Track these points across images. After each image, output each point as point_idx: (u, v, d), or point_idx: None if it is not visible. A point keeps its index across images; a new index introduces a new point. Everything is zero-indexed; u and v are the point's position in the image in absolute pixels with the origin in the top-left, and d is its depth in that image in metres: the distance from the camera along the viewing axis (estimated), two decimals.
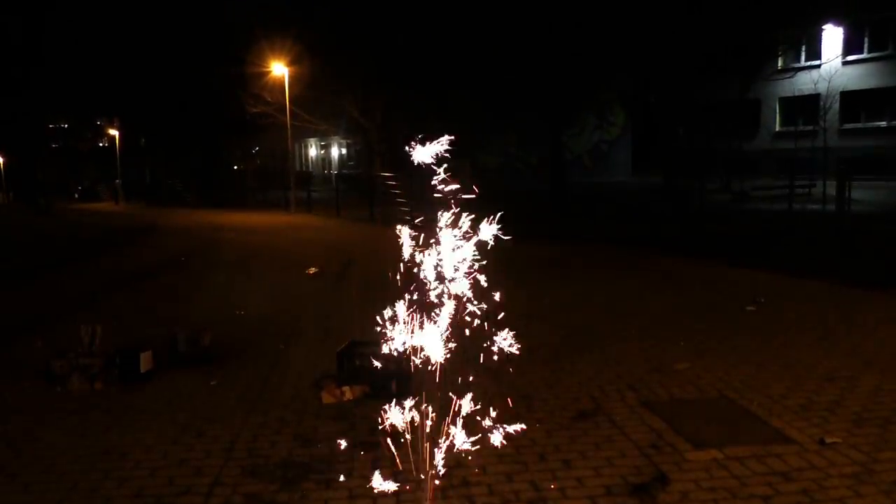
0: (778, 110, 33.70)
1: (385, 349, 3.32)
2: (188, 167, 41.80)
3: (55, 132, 58.90)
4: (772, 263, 10.78)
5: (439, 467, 3.41)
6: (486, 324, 3.25)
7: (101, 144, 59.40)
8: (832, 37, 30.51)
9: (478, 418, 3.42)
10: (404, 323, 3.25)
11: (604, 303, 8.84)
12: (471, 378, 3.39)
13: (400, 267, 3.25)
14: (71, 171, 56.84)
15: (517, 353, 3.28)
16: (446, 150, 3.10)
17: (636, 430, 4.66)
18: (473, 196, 3.21)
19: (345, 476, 4.06)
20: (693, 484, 3.91)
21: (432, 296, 3.22)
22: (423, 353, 3.26)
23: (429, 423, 3.38)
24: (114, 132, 49.06)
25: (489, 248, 3.23)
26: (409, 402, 3.39)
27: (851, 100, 29.96)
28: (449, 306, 3.21)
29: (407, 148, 3.11)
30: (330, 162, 55.78)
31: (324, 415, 5.09)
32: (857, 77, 30.09)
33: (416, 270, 3.21)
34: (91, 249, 17.07)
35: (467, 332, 3.26)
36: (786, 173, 21.18)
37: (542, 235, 14.57)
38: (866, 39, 30.11)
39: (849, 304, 8.14)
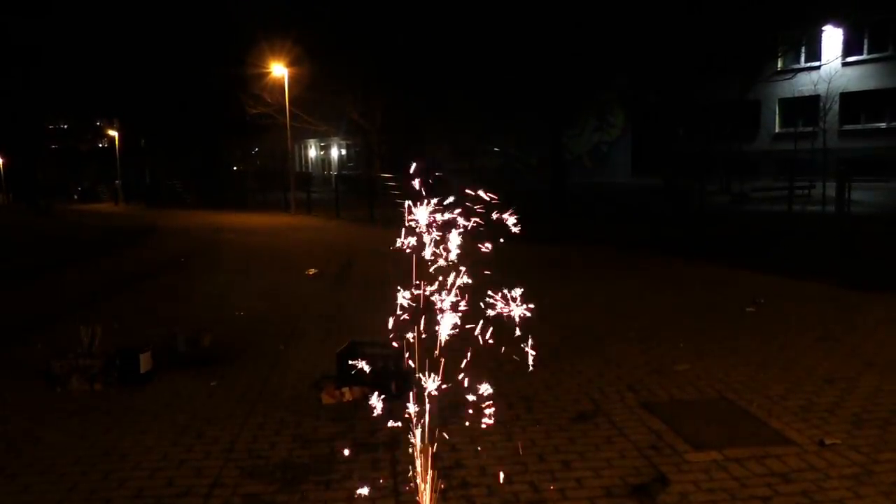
0: (778, 111, 33.69)
1: (388, 343, 3.20)
2: (188, 168, 41.74)
3: (55, 132, 58.87)
4: (771, 264, 10.78)
5: (439, 468, 3.40)
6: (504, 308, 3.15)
7: (100, 145, 59.32)
8: (832, 38, 30.50)
9: (477, 418, 3.42)
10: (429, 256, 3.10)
11: (604, 303, 8.85)
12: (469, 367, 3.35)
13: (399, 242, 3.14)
14: (71, 171, 56.81)
15: (529, 313, 3.17)
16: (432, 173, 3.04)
17: (636, 432, 4.66)
18: (493, 199, 3.14)
19: (344, 477, 4.06)
20: (692, 485, 3.91)
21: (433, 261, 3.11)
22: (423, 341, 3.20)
23: (428, 422, 3.38)
24: (113, 133, 49.02)
25: (489, 249, 3.21)
26: (408, 403, 3.39)
27: (851, 101, 29.96)
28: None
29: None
30: (330, 163, 55.79)
31: (323, 416, 5.09)
32: (856, 78, 30.09)
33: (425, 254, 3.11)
34: (91, 250, 17.05)
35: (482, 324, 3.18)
36: (785, 174, 21.26)
37: (542, 236, 14.57)
38: (866, 41, 30.10)
39: (848, 305, 8.14)
